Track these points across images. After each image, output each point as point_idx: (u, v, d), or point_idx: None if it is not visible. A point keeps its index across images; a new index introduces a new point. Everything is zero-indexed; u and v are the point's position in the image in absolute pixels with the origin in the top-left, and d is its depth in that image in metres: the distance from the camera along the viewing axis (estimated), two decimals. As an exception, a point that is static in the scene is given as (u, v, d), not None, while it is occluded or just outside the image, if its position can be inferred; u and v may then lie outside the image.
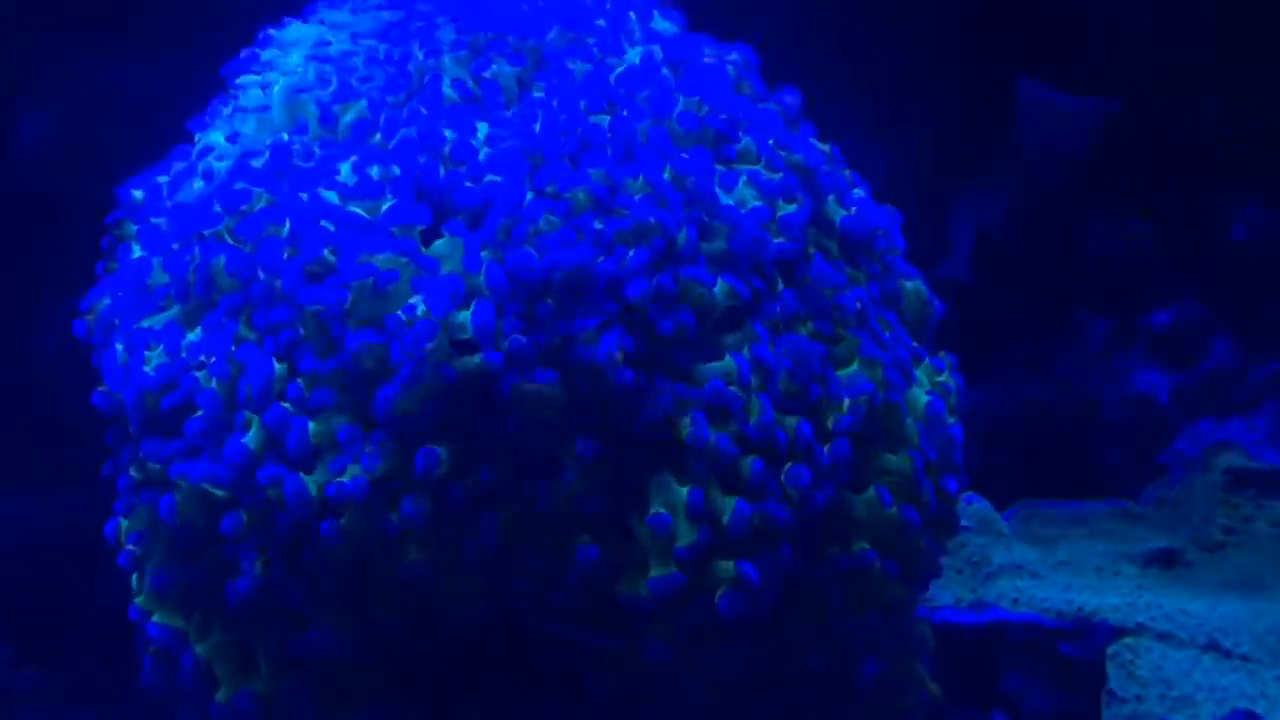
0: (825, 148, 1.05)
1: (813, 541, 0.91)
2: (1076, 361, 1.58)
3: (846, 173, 1.06)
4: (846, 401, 0.93)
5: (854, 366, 0.95)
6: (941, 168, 1.63)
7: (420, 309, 0.87)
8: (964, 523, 1.32)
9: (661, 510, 0.87)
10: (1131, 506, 1.40)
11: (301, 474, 0.86)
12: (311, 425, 0.87)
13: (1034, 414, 1.57)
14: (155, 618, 0.92)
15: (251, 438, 0.88)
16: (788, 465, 0.88)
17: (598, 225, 0.92)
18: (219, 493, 0.89)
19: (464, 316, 0.87)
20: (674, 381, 0.89)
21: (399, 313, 0.87)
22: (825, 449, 0.91)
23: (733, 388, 0.89)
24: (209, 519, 0.90)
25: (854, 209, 1.02)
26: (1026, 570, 1.32)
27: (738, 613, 0.86)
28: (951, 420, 0.99)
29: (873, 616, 0.92)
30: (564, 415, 0.86)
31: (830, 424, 0.92)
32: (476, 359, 0.85)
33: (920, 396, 0.98)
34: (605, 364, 0.86)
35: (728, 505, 0.88)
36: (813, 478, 0.88)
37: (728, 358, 0.90)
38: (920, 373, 1.01)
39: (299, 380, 0.89)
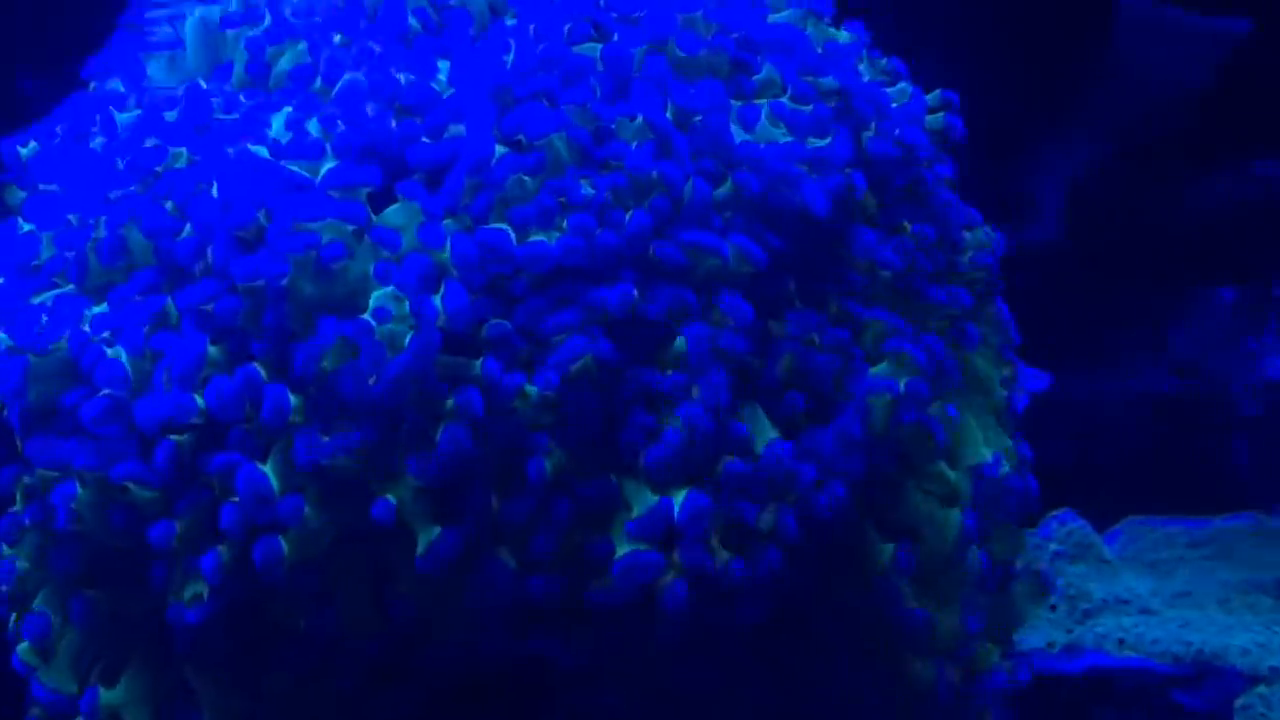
0: (881, 63, 1.07)
1: (823, 564, 0.94)
2: (1196, 342, 1.58)
3: (903, 87, 1.07)
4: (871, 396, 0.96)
5: (883, 365, 0.98)
6: (1024, 104, 1.64)
7: (396, 309, 0.89)
8: (1055, 547, 1.36)
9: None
10: (1265, 521, 1.42)
11: (259, 464, 0.88)
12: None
13: (1143, 407, 1.57)
14: (42, 675, 0.94)
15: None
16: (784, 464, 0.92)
17: (586, 189, 0.93)
18: (145, 493, 0.90)
19: (436, 302, 0.90)
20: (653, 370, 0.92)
21: (367, 318, 0.89)
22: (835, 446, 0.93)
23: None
24: (128, 530, 0.91)
25: (898, 137, 1.02)
26: (1135, 605, 1.34)
27: (677, 612, 0.88)
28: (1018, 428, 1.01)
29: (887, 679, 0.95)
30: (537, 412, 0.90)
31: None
32: (476, 368, 0.89)
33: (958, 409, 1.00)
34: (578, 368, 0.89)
35: (679, 497, 0.90)
36: (814, 478, 0.91)
37: (679, 339, 0.91)
38: (981, 361, 1.03)
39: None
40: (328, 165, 0.96)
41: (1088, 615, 1.33)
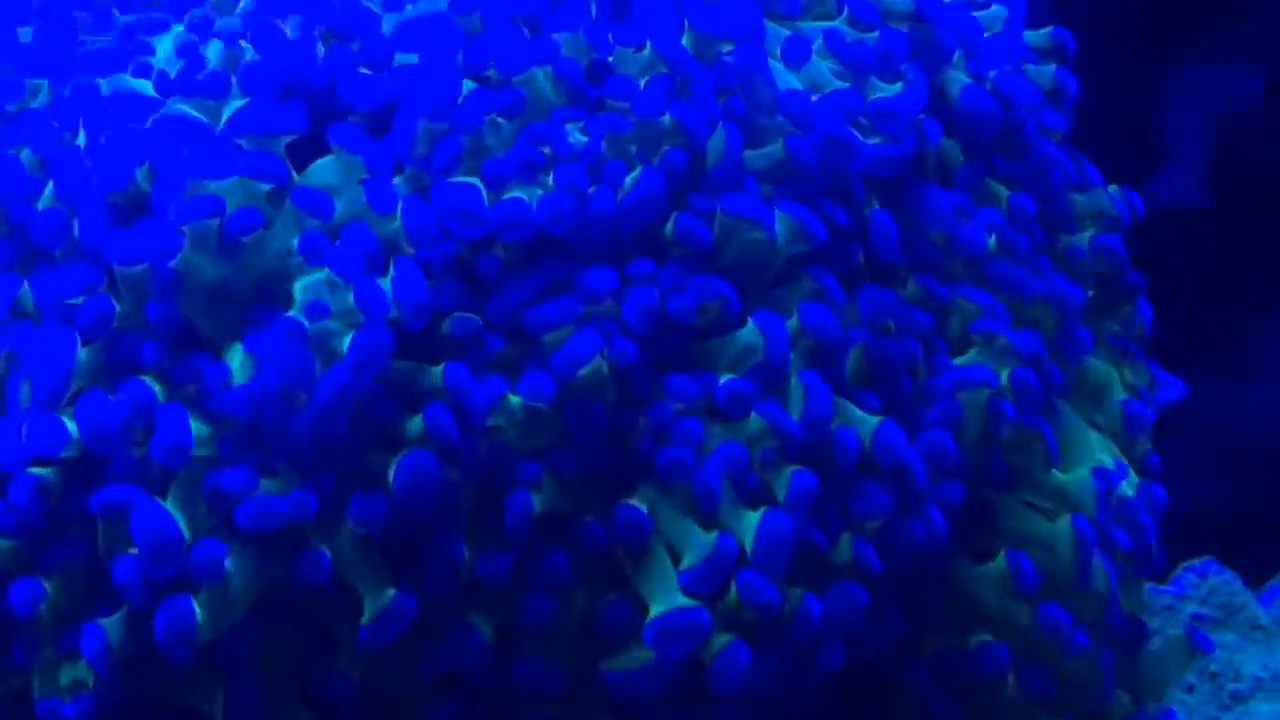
0: None
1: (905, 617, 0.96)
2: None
3: (998, 11, 1.08)
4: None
5: (973, 352, 0.99)
6: (1154, 20, 1.64)
7: (333, 302, 0.89)
8: (1194, 608, 1.36)
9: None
10: None
11: (161, 501, 0.89)
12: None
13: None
14: None
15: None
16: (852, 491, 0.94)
17: (576, 136, 0.93)
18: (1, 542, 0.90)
19: (386, 289, 0.91)
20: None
21: (296, 315, 0.89)
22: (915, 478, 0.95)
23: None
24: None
25: (993, 79, 1.03)
26: (1302, 685, 1.34)
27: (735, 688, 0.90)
28: (1146, 446, 1.03)
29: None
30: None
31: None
32: (437, 377, 0.89)
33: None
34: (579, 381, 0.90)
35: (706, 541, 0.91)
36: (890, 510, 0.93)
37: (749, 324, 0.93)
38: (1100, 361, 1.05)
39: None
40: (233, 105, 0.96)
41: (1238, 698, 1.33)
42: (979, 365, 0.98)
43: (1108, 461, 1.03)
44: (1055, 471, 1.00)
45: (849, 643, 0.92)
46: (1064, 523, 0.98)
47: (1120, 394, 1.05)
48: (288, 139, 0.95)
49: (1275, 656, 1.38)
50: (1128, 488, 1.03)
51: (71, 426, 0.90)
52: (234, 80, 0.98)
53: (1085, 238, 1.07)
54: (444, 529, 0.91)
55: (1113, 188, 1.09)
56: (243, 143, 0.94)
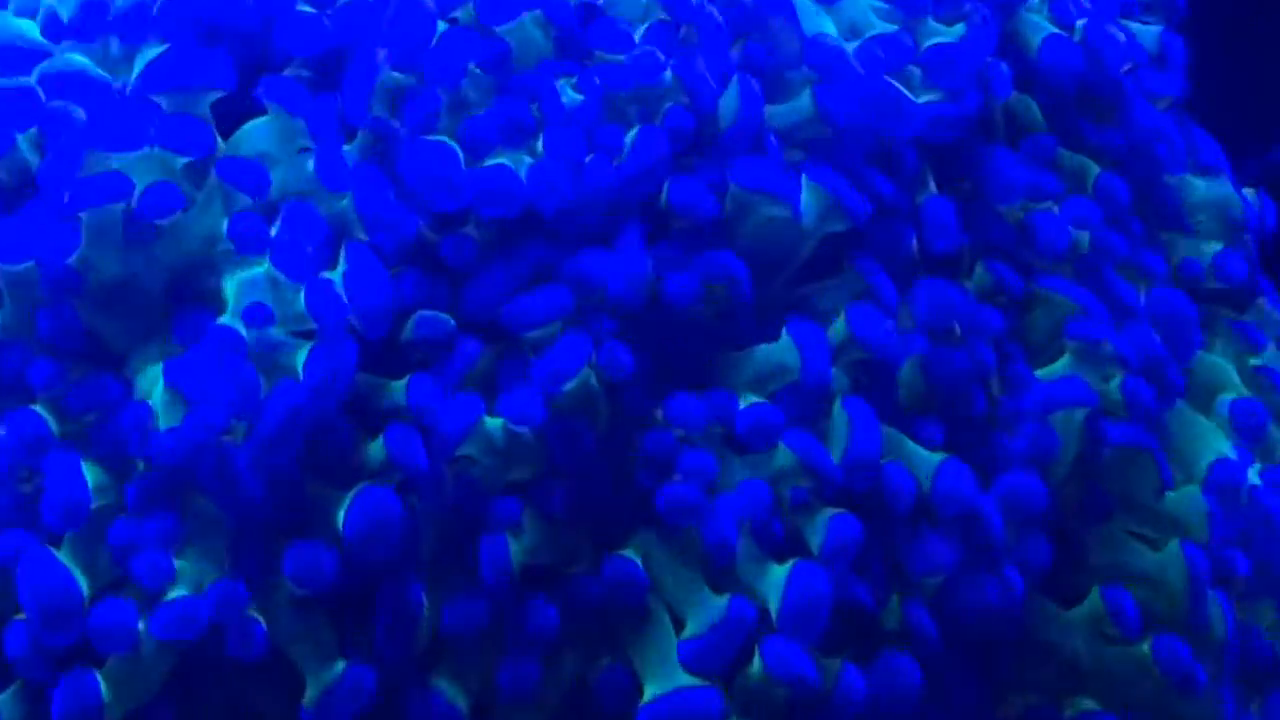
0: None
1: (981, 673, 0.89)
2: None
3: None
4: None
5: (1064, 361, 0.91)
6: None
7: (277, 305, 0.83)
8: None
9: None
10: None
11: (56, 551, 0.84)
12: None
13: None
14: None
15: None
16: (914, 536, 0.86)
17: (569, 94, 0.86)
18: None
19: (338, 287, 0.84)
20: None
21: (230, 322, 0.83)
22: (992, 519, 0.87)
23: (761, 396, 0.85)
24: None
25: (1082, 28, 0.95)
26: None
27: None
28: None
29: None
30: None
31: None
32: (398, 393, 0.84)
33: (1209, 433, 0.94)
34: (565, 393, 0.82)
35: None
36: (954, 566, 0.85)
37: (783, 336, 0.86)
38: (1218, 357, 0.97)
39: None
40: (145, 55, 0.90)
41: None
42: (1072, 378, 0.89)
43: (1227, 451, 0.94)
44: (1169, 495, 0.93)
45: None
46: (1172, 552, 0.89)
47: (1234, 392, 0.97)
48: (213, 97, 0.88)
49: None
50: (1253, 476, 0.96)
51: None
52: (148, 31, 0.91)
53: (1205, 250, 0.99)
54: (401, 574, 0.83)
55: (1249, 191, 1.01)
56: (160, 102, 0.87)
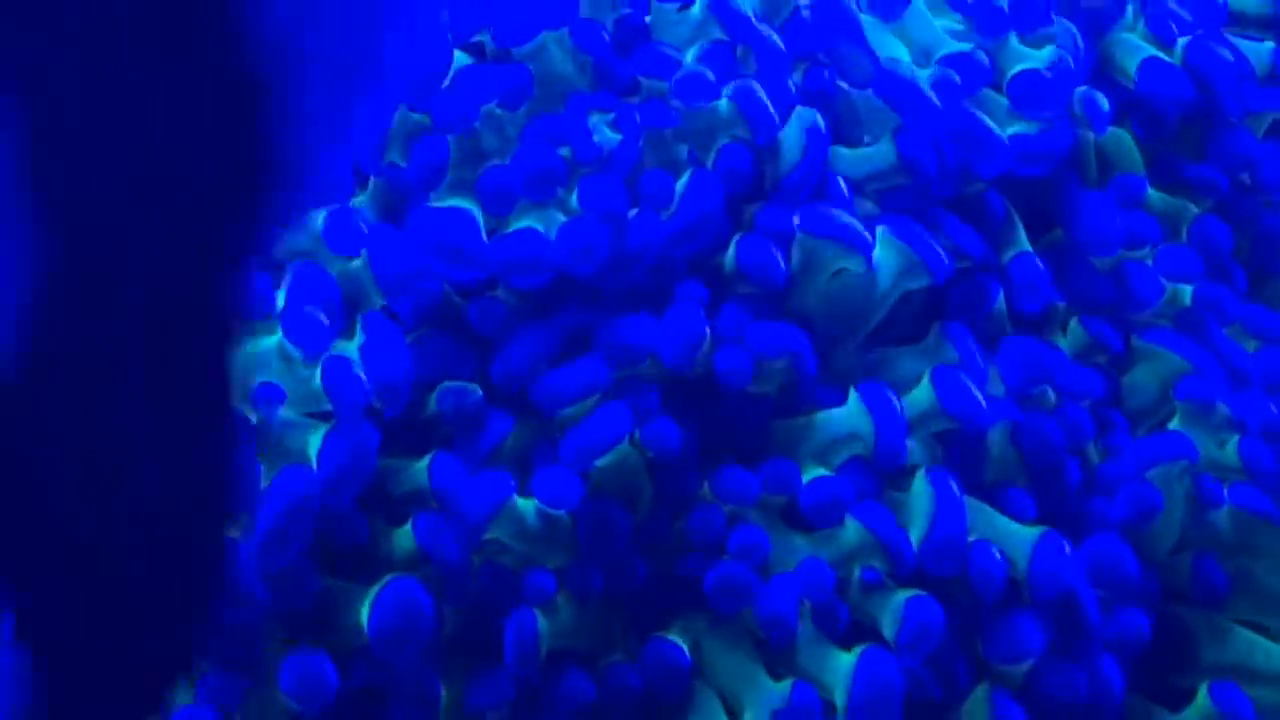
0: None
1: None
2: None
3: None
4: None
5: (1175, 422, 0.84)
6: None
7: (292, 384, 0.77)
8: None
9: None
10: None
11: None
12: None
13: None
14: None
15: None
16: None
17: (605, 132, 0.80)
18: None
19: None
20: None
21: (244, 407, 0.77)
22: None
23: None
24: None
25: (1181, 50, 0.89)
26: None
27: None
28: None
29: None
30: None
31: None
32: (421, 474, 0.77)
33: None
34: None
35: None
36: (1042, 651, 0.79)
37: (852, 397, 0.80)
38: None
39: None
40: None
41: None
42: (1175, 433, 0.83)
43: None
44: None
45: None
46: None
47: None
48: None
49: None
50: None
51: None
52: None
53: None
54: (423, 667, 0.77)
55: None
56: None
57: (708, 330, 0.77)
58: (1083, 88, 0.84)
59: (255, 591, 0.73)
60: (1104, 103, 0.84)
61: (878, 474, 0.77)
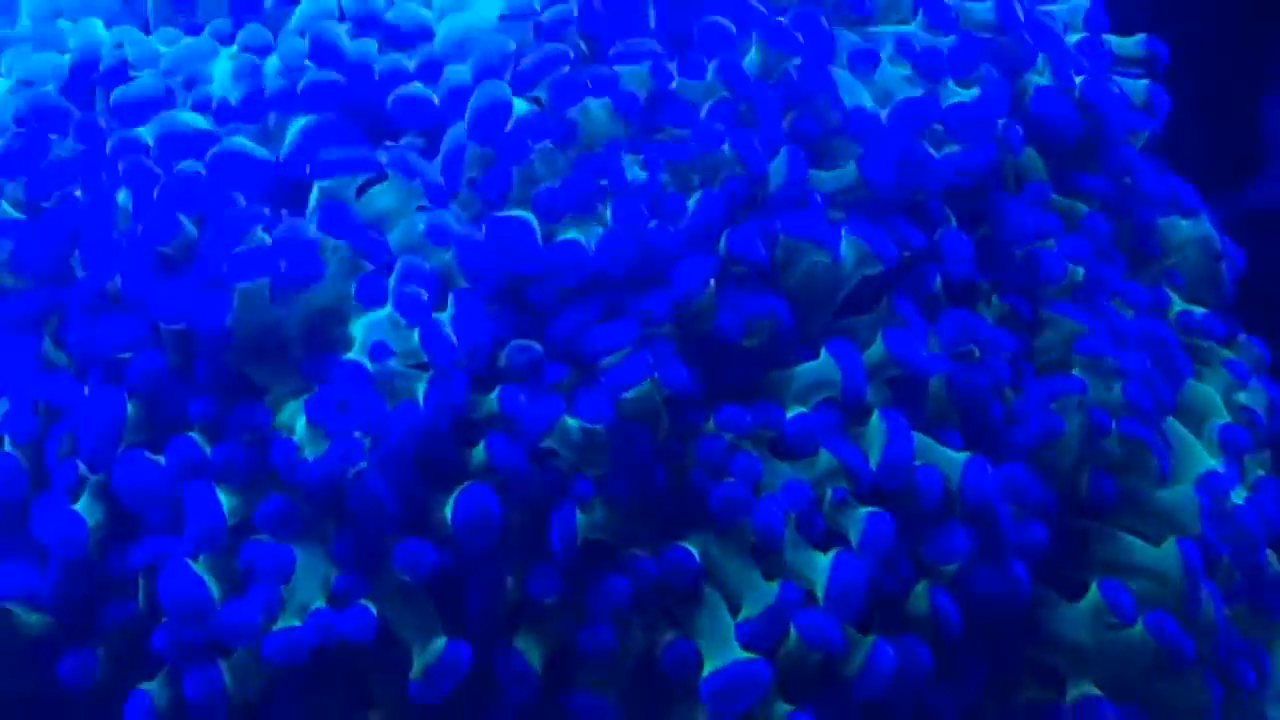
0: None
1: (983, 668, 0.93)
2: None
3: (1077, 4, 1.04)
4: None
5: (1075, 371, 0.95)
6: (1253, 17, 1.59)
7: (397, 343, 0.87)
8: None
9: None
10: None
11: (197, 567, 0.87)
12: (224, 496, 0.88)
13: None
14: None
15: (86, 508, 0.89)
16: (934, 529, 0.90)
17: (635, 170, 0.90)
18: (32, 619, 0.90)
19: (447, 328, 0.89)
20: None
21: (358, 357, 0.88)
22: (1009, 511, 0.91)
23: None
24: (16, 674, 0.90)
25: (1078, 89, 0.99)
26: None
27: None
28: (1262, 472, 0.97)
29: None
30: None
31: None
32: (493, 403, 0.87)
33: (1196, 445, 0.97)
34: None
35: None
36: (969, 554, 0.90)
37: (823, 352, 0.90)
38: (1207, 385, 1.00)
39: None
40: (296, 123, 0.94)
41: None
42: (1070, 375, 0.93)
43: (1216, 466, 0.97)
44: (1160, 491, 0.95)
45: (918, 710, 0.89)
46: (1169, 549, 0.92)
47: (1222, 418, 1.00)
48: (360, 180, 0.93)
49: None
50: (1237, 496, 0.99)
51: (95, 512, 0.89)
52: (298, 105, 0.95)
53: (1196, 312, 1.02)
54: (495, 558, 0.88)
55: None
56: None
57: (712, 282, 0.87)
58: (1003, 120, 0.94)
59: (381, 494, 0.86)
60: (1019, 132, 0.95)
61: (844, 412, 0.89)
